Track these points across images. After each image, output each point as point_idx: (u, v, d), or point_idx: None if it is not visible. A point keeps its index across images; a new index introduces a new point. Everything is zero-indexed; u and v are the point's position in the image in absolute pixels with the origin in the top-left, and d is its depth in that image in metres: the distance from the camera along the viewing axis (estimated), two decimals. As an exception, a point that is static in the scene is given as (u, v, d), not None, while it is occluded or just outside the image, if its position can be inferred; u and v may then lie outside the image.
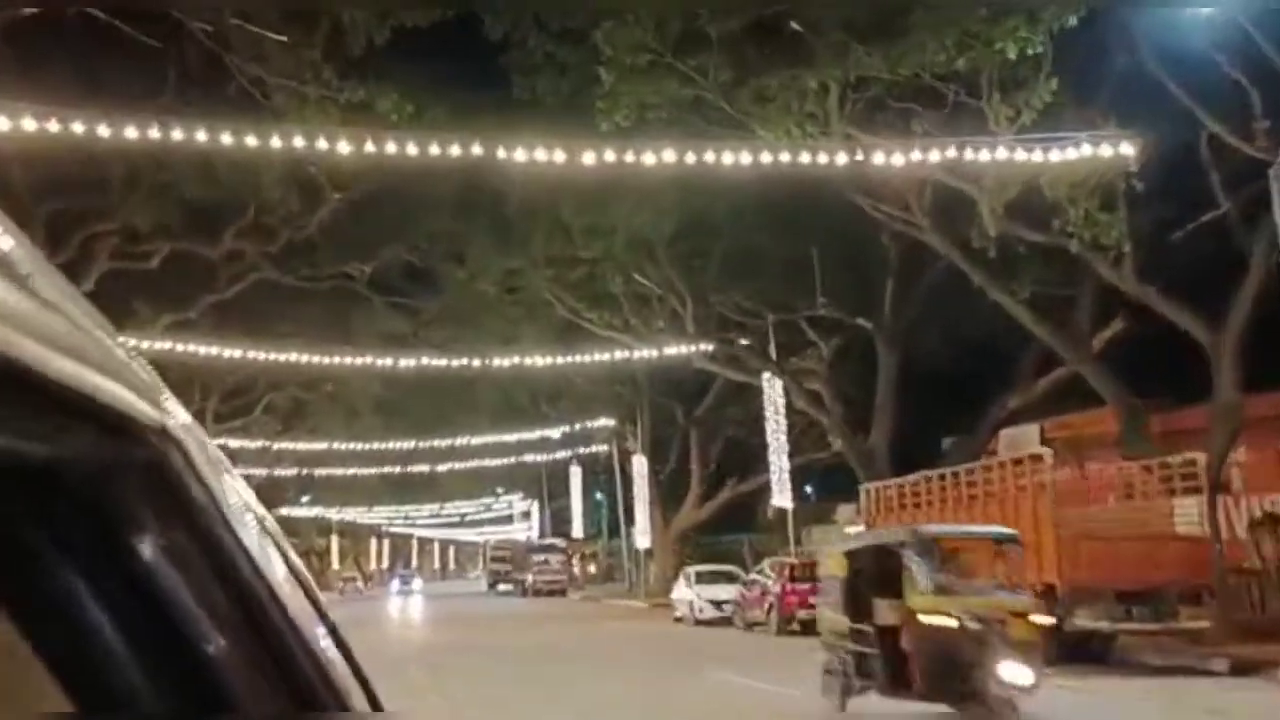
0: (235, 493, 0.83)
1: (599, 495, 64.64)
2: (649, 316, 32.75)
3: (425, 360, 31.07)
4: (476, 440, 49.62)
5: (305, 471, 54.18)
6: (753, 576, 27.88)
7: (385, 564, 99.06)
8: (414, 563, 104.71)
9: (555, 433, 51.64)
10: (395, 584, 77.49)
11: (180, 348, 28.08)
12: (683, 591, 31.33)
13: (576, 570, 62.54)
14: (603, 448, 53.02)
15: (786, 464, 32.01)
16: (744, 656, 19.73)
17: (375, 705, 0.89)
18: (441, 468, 56.24)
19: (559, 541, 60.35)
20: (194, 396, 39.48)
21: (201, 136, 13.01)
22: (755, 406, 38.95)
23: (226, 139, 13.13)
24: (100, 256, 26.77)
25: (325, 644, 0.85)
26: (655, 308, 32.63)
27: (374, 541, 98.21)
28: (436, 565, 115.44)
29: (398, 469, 55.29)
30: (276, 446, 46.83)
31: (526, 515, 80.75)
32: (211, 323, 29.86)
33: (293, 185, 23.85)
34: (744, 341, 32.70)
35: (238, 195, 24.55)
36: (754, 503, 49.11)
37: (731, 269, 30.56)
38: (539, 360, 32.08)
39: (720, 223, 28.62)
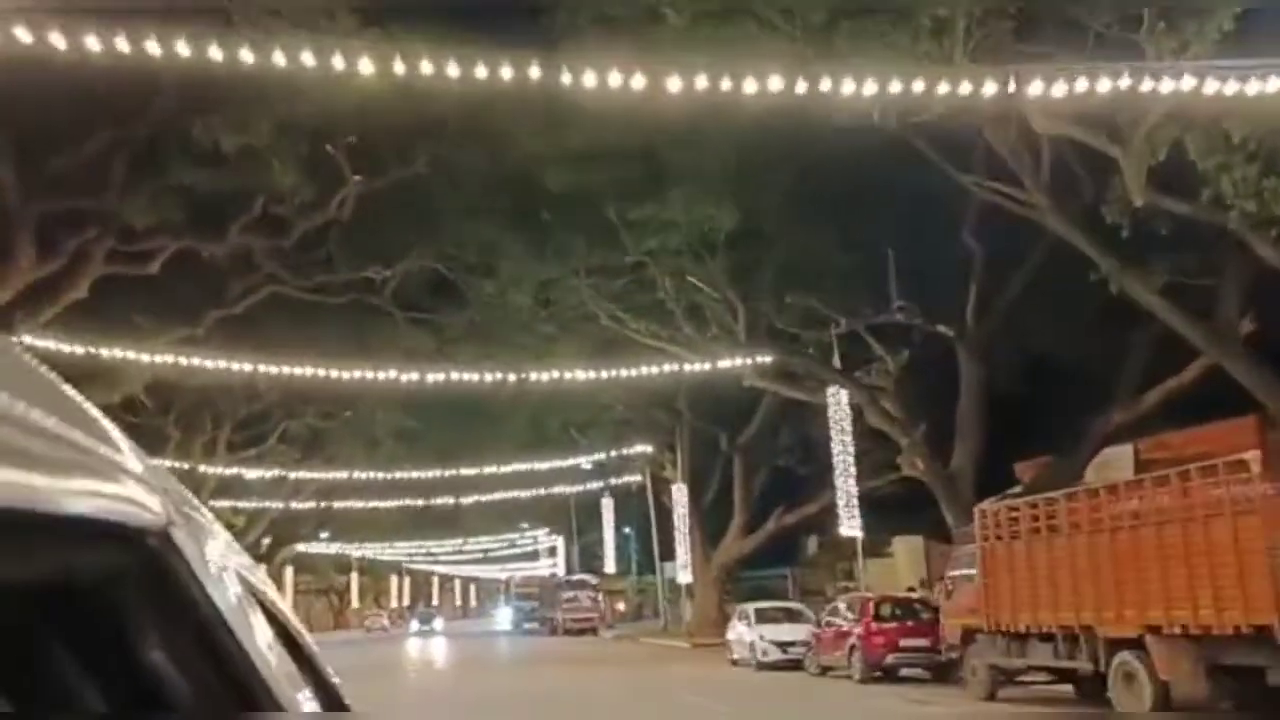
0: (232, 579, 0.91)
1: (627, 530, 61.62)
2: (700, 325, 29.74)
3: (454, 375, 28.05)
4: (503, 469, 46.64)
5: (323, 504, 51.41)
6: (827, 616, 24.61)
7: (406, 602, 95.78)
8: (435, 600, 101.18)
9: (586, 461, 48.76)
10: (415, 624, 72.79)
11: (185, 361, 25.34)
12: (741, 631, 28.11)
13: (604, 608, 59.43)
14: (635, 478, 50.05)
15: (854, 488, 28.77)
16: (853, 715, 16.44)
17: None
18: (465, 500, 53.43)
19: (590, 577, 57.35)
20: (206, 425, 36.81)
21: (185, 51, 10.10)
22: (806, 430, 35.88)
23: (215, 54, 10.22)
24: (96, 258, 24.03)
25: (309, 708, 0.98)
26: (707, 315, 29.61)
27: (394, 579, 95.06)
28: (458, 603, 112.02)
29: (420, 502, 52.48)
30: (294, 476, 44.11)
31: (552, 551, 77.86)
32: (221, 339, 26.91)
33: (306, 168, 21.06)
34: (809, 351, 29.56)
35: (245, 183, 21.76)
36: (797, 535, 45.98)
37: (792, 271, 27.61)
38: (579, 374, 28.97)
39: (783, 217, 25.73)
